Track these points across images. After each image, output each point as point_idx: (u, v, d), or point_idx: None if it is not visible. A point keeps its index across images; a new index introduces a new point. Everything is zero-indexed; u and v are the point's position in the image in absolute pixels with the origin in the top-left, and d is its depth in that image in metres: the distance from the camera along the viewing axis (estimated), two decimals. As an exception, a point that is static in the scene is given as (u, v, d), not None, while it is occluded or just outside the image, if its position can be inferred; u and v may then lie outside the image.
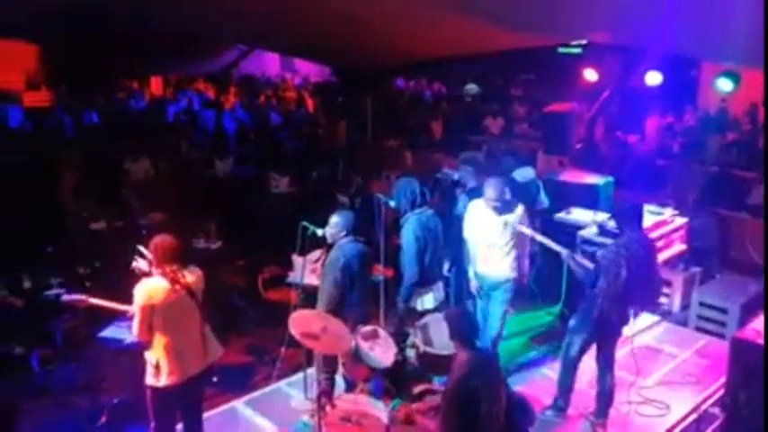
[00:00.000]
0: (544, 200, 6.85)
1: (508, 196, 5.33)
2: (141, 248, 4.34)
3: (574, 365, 4.94)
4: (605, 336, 4.85)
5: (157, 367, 4.07)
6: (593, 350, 4.95)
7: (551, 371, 5.64)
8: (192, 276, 4.18)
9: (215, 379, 5.61)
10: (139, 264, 4.32)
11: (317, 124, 13.90)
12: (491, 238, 5.28)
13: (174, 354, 4.08)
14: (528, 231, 5.24)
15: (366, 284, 4.93)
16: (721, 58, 7.58)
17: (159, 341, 4.07)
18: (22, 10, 8.41)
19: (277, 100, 16.04)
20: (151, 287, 4.04)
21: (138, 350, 4.29)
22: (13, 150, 10.01)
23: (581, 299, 5.00)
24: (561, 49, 11.79)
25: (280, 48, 14.61)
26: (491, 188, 5.16)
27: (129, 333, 4.35)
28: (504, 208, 5.22)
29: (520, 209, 5.32)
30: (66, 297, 4.62)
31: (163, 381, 4.08)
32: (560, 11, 5.92)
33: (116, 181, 8.76)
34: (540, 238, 5.16)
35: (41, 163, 9.49)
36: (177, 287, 4.05)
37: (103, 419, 5.08)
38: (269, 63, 19.65)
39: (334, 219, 4.85)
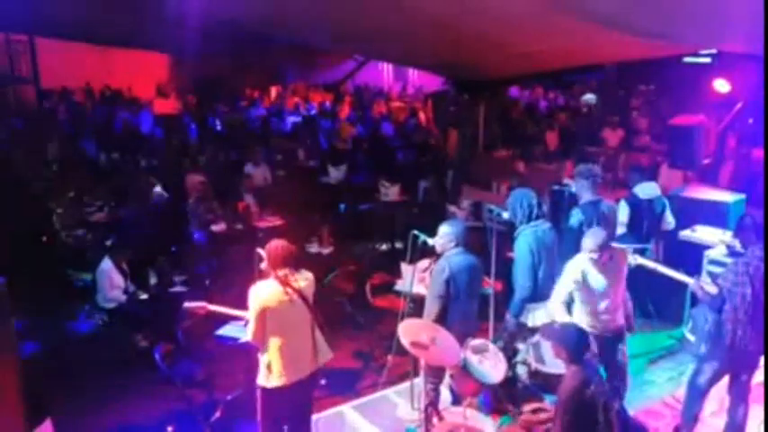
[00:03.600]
0: (670, 219, 6.45)
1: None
2: (261, 251, 4.48)
3: (701, 395, 4.62)
4: (741, 365, 4.50)
5: (269, 368, 4.19)
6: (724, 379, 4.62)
7: (672, 398, 5.32)
8: (303, 281, 4.28)
9: (323, 381, 5.77)
10: (264, 262, 4.46)
11: (428, 134, 13.93)
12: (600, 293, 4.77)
13: (286, 356, 4.18)
14: (650, 264, 4.95)
15: (473, 298, 4.81)
16: None
17: (272, 343, 4.18)
18: (159, 26, 9.02)
19: (389, 110, 16.25)
20: (264, 291, 4.17)
21: (252, 349, 4.44)
22: (144, 155, 10.77)
23: (706, 323, 4.69)
24: (687, 59, 11.18)
25: (395, 59, 14.80)
26: (591, 238, 4.65)
27: (244, 332, 4.51)
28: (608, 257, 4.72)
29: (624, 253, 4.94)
30: (187, 305, 4.84)
31: (273, 382, 4.19)
32: (691, 19, 5.60)
33: (236, 186, 9.16)
34: (663, 269, 4.86)
35: (170, 168, 10.14)
36: (289, 291, 4.16)
37: (217, 415, 5.29)
38: (383, 74, 19.98)
39: (444, 229, 4.80)
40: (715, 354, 4.53)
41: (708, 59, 11.03)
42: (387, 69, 20.15)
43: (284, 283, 4.17)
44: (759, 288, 4.27)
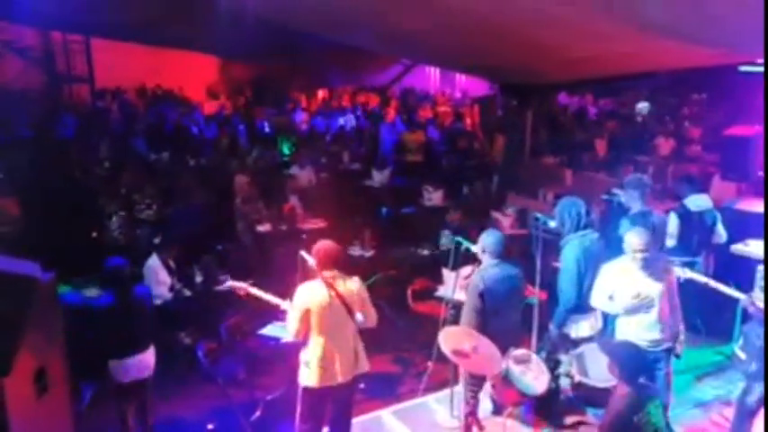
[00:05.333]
0: (722, 233, 6.27)
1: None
2: (304, 254, 4.54)
3: (751, 414, 4.48)
4: (791, 385, 4.35)
5: (308, 367, 4.26)
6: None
7: (720, 416, 5.17)
8: (349, 286, 4.30)
9: (362, 385, 5.79)
10: (310, 262, 4.52)
11: (474, 139, 13.86)
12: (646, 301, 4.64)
13: (326, 357, 4.23)
14: (700, 278, 4.81)
15: (513, 309, 4.70)
16: None
17: (313, 342, 4.25)
18: (210, 28, 9.20)
19: (435, 114, 16.22)
20: (309, 291, 4.24)
21: (293, 350, 4.50)
22: (193, 155, 10.99)
23: (758, 340, 4.53)
24: (744, 68, 10.87)
25: (442, 63, 14.76)
26: (636, 236, 4.55)
27: (286, 332, 4.56)
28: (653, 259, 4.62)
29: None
30: (230, 283, 5.04)
31: (313, 381, 4.25)
32: (748, 26, 5.43)
33: (282, 187, 9.27)
34: (713, 284, 4.73)
35: (218, 168, 10.32)
36: (333, 294, 4.19)
37: (257, 414, 5.36)
38: (430, 78, 19.97)
39: (482, 237, 4.75)
40: (766, 372, 4.38)
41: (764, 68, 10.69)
42: (434, 73, 20.13)
43: (330, 285, 4.21)
44: None
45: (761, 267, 6.14)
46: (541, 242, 5.14)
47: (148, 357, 4.89)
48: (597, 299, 4.78)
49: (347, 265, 4.49)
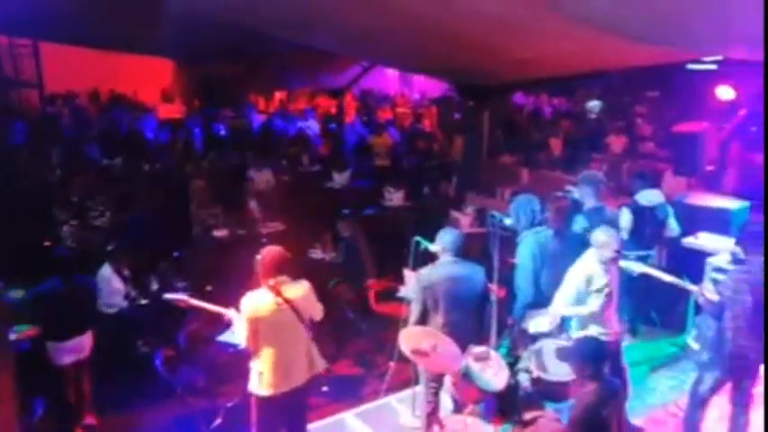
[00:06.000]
0: (674, 227, 6.42)
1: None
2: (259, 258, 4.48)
3: (703, 403, 4.60)
4: (741, 373, 4.48)
5: (260, 376, 4.21)
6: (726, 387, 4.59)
7: (675, 406, 5.29)
8: (297, 291, 4.26)
9: (325, 388, 5.76)
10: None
11: (434, 140, 13.93)
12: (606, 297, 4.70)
13: (277, 365, 4.20)
14: (653, 272, 4.92)
15: (463, 308, 4.67)
16: None
17: (264, 351, 4.20)
18: (160, 27, 9.05)
19: (395, 115, 16.26)
20: (254, 300, 4.18)
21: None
22: (149, 160, 10.78)
23: (709, 331, 4.66)
24: (692, 66, 11.16)
25: (400, 65, 14.81)
26: (605, 235, 4.63)
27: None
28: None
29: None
30: (167, 296, 4.85)
31: (265, 390, 4.21)
32: (695, 25, 5.59)
33: (240, 191, 9.17)
34: (666, 277, 4.84)
35: (173, 172, 10.15)
36: (281, 300, 4.15)
37: (218, 421, 5.29)
38: (389, 79, 19.98)
39: (439, 235, 4.77)
40: (716, 362, 4.51)
41: (713, 66, 11.01)
42: (392, 75, 20.15)
43: (276, 292, 4.16)
44: (759, 297, 4.24)
45: (710, 260, 6.32)
46: (498, 240, 5.19)
47: (86, 339, 5.45)
48: (562, 306, 4.75)
49: (297, 271, 4.44)
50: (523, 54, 7.90)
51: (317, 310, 4.41)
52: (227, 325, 5.22)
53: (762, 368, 4.58)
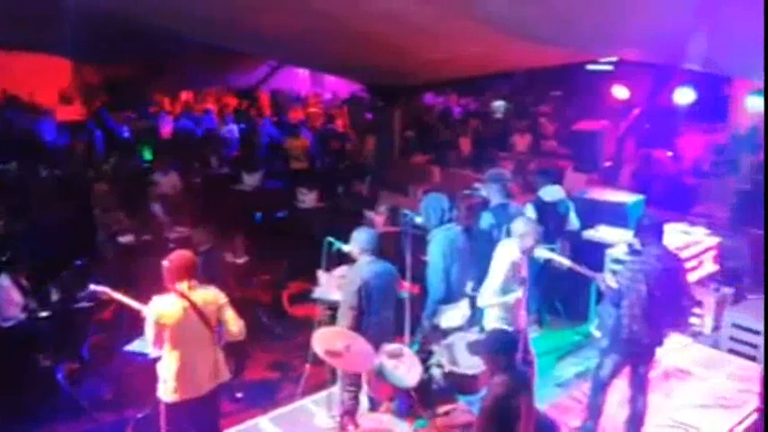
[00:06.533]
0: (574, 221, 6.72)
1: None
2: (166, 263, 4.36)
3: (604, 387, 4.84)
4: (637, 358, 4.75)
5: (165, 382, 4.15)
6: (625, 371, 4.85)
7: (580, 392, 5.54)
8: (205, 297, 4.19)
9: (239, 395, 5.67)
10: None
11: (346, 140, 13.96)
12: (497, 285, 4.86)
13: (181, 371, 4.12)
14: (558, 257, 5.14)
15: (388, 305, 4.80)
16: (753, 75, 7.44)
17: (168, 356, 4.14)
18: (58, 25, 8.62)
19: (306, 115, 16.17)
20: (161, 305, 4.10)
21: (163, 365, 4.31)
22: (47, 164, 10.24)
23: (609, 318, 4.92)
24: (591, 66, 11.72)
25: (310, 64, 14.76)
26: (525, 223, 4.88)
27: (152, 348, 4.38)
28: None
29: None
30: (92, 287, 4.74)
31: (169, 396, 4.14)
32: (592, 27, 5.87)
33: (145, 195, 8.86)
34: (570, 263, 5.07)
35: (74, 177, 9.69)
36: (187, 306, 4.07)
37: (128, 433, 5.11)
38: (299, 78, 19.84)
39: (354, 235, 4.81)
40: (614, 347, 4.76)
41: (609, 67, 11.61)
42: (303, 74, 20.01)
43: (183, 297, 4.08)
44: (654, 285, 4.51)
45: (609, 251, 6.67)
46: (410, 238, 5.28)
47: None
48: (491, 297, 4.85)
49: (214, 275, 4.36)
50: (433, 55, 8.07)
51: (234, 325, 4.29)
52: (134, 334, 5.08)
53: (657, 352, 4.89)
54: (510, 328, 4.79)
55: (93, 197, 8.32)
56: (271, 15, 7.01)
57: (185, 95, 17.38)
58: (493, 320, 4.90)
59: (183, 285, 4.13)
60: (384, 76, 10.23)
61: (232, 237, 7.61)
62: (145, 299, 4.73)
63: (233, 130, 13.67)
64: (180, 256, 4.21)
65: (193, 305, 4.11)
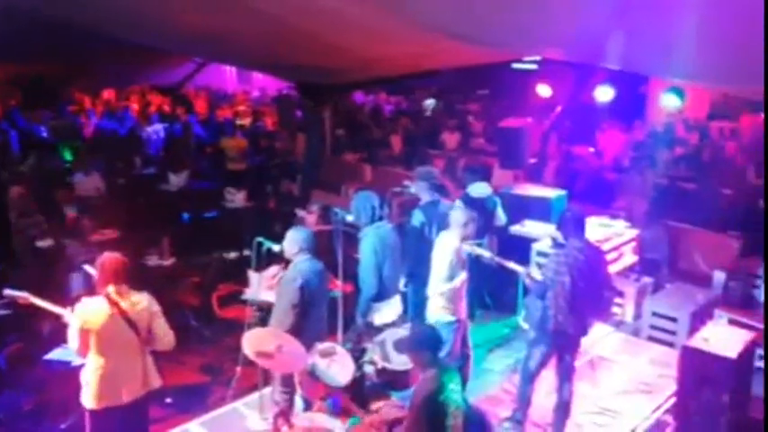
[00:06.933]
0: (501, 216, 6.88)
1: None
2: (88, 267, 4.23)
3: (532, 378, 4.98)
4: (563, 348, 4.90)
5: (87, 387, 4.04)
6: (552, 361, 5.00)
7: (510, 383, 5.67)
8: (135, 303, 4.08)
9: (168, 400, 5.53)
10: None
11: (274, 138, 13.80)
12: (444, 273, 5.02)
13: (105, 377, 4.02)
14: (486, 253, 5.27)
15: (324, 302, 4.85)
16: (668, 75, 7.81)
17: (92, 362, 4.03)
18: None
19: (234, 113, 15.89)
20: (88, 308, 3.98)
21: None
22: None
23: (536, 311, 5.06)
24: (516, 65, 12.01)
25: (236, 62, 14.51)
26: (462, 213, 5.04)
27: (76, 355, 4.23)
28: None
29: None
30: (8, 292, 4.48)
31: (94, 402, 4.04)
32: (515, 27, 6.01)
33: (64, 197, 8.51)
34: (498, 260, 5.20)
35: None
36: (115, 311, 3.96)
37: (50, 445, 4.90)
38: (226, 76, 19.49)
39: (289, 234, 4.78)
40: (541, 338, 4.90)
41: (533, 66, 11.93)
42: (230, 71, 19.65)
43: (111, 301, 3.96)
44: (577, 277, 4.67)
45: (535, 245, 6.86)
46: (342, 236, 5.29)
47: None
48: (440, 284, 4.98)
49: (136, 279, 4.24)
50: (362, 54, 8.08)
51: (163, 335, 4.20)
52: (55, 342, 4.89)
53: (582, 342, 5.06)
54: (453, 318, 4.98)
55: (9, 201, 7.90)
56: (196, 13, 6.85)
57: (107, 94, 16.79)
58: (436, 311, 5.01)
59: (112, 289, 4.01)
60: (313, 75, 10.16)
61: (158, 238, 7.41)
62: (66, 304, 4.57)
63: (158, 129, 13.28)
64: (110, 258, 4.10)
65: (122, 311, 3.99)
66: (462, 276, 5.02)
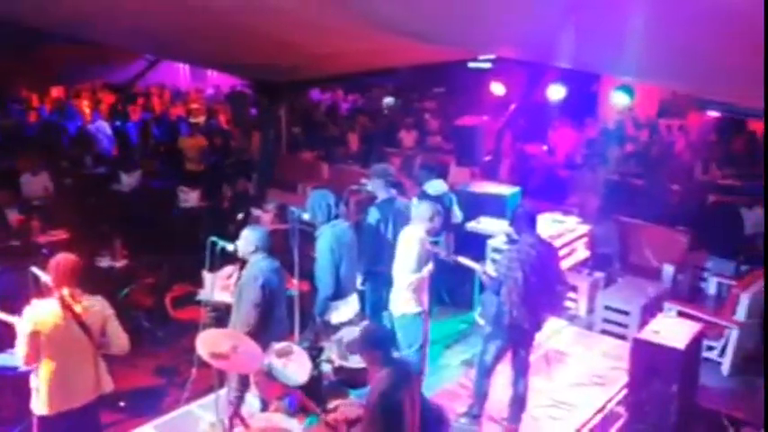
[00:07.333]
0: (458, 214, 6.93)
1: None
2: (35, 270, 4.11)
3: (488, 372, 5.03)
4: (518, 342, 4.97)
5: (38, 393, 3.94)
6: (508, 356, 5.06)
7: (467, 378, 5.73)
8: (88, 307, 4.00)
9: (122, 404, 5.42)
10: (44, 279, 4.10)
11: (229, 136, 13.62)
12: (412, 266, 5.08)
13: (56, 382, 3.93)
14: (443, 251, 5.32)
15: (282, 302, 4.83)
16: (617, 73, 7.97)
17: (44, 366, 3.93)
18: None
19: (187, 111, 15.64)
20: (39, 311, 3.88)
21: (33, 377, 4.05)
22: None
23: (492, 306, 5.11)
24: (471, 64, 12.11)
25: (188, 60, 14.26)
26: (427, 207, 5.10)
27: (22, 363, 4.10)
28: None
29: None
30: None
31: (44, 408, 3.94)
32: (466, 25, 6.06)
33: (5, 199, 8.22)
34: (454, 257, 5.25)
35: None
36: (68, 314, 3.86)
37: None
38: (179, 73, 19.15)
39: (245, 234, 4.74)
40: (497, 333, 4.96)
41: (488, 65, 12.04)
42: (183, 68, 19.30)
43: (64, 304, 3.85)
44: (529, 272, 4.74)
45: (490, 241, 6.94)
46: (298, 234, 5.25)
47: None
48: (407, 275, 5.06)
49: (92, 280, 4.14)
50: (315, 51, 8.01)
51: (118, 339, 4.13)
52: (2, 346, 4.74)
53: (537, 336, 5.14)
54: (419, 309, 5.07)
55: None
56: (143, 8, 6.71)
57: (56, 91, 16.32)
58: (404, 303, 5.07)
59: (66, 292, 3.91)
60: (266, 72, 10.05)
61: (110, 239, 7.25)
62: (11, 309, 4.43)
63: (101, 126, 12.95)
64: (65, 259, 4.00)
65: (75, 314, 3.90)
66: (429, 267, 5.11)
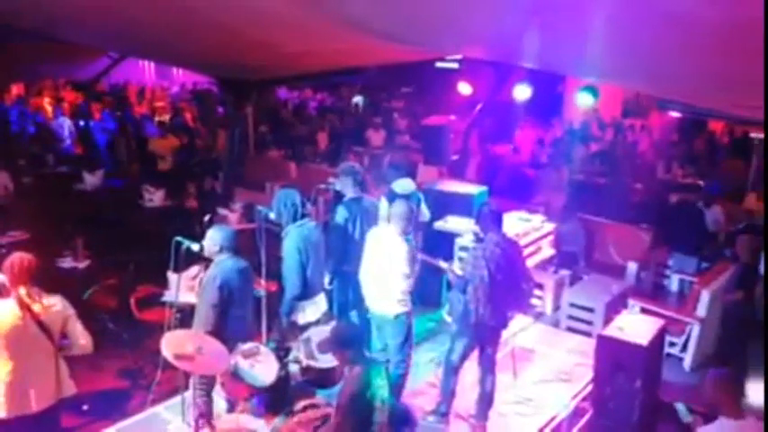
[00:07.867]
0: (425, 212, 6.95)
1: None
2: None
3: (456, 370, 5.06)
4: (485, 340, 5.01)
5: None
6: (475, 354, 5.10)
7: (435, 377, 5.75)
8: (47, 306, 3.93)
9: (85, 407, 5.32)
10: (1, 279, 4.01)
11: (195, 135, 13.47)
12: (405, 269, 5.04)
13: (14, 385, 3.85)
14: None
15: (248, 301, 4.77)
16: (581, 74, 8.08)
17: (0, 368, 3.84)
18: None
19: (152, 109, 15.42)
20: None
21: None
22: None
23: (459, 304, 5.14)
24: (439, 64, 12.18)
25: (152, 57, 14.07)
26: (401, 206, 5.06)
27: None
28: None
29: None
30: None
31: (0, 411, 3.85)
32: (433, 25, 6.08)
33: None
34: (422, 256, 5.27)
35: None
36: (25, 314, 3.78)
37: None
38: (144, 70, 18.87)
39: (211, 233, 4.69)
40: (463, 331, 5.00)
41: (455, 65, 12.13)
42: (148, 66, 19.03)
43: (22, 304, 3.77)
44: (494, 270, 4.78)
45: (457, 240, 6.98)
46: (265, 234, 5.21)
47: None
48: (401, 282, 5.01)
49: (54, 281, 4.06)
50: (283, 50, 7.96)
51: (80, 338, 4.06)
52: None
53: (503, 334, 5.19)
54: (408, 309, 5.04)
55: None
56: (116, 7, 6.59)
57: (17, 88, 15.95)
58: (397, 305, 5.03)
59: (23, 292, 3.83)
60: (233, 71, 9.96)
61: (72, 239, 7.11)
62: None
63: (62, 122, 12.68)
64: (20, 258, 3.92)
65: (34, 314, 3.82)
66: (416, 267, 5.11)
